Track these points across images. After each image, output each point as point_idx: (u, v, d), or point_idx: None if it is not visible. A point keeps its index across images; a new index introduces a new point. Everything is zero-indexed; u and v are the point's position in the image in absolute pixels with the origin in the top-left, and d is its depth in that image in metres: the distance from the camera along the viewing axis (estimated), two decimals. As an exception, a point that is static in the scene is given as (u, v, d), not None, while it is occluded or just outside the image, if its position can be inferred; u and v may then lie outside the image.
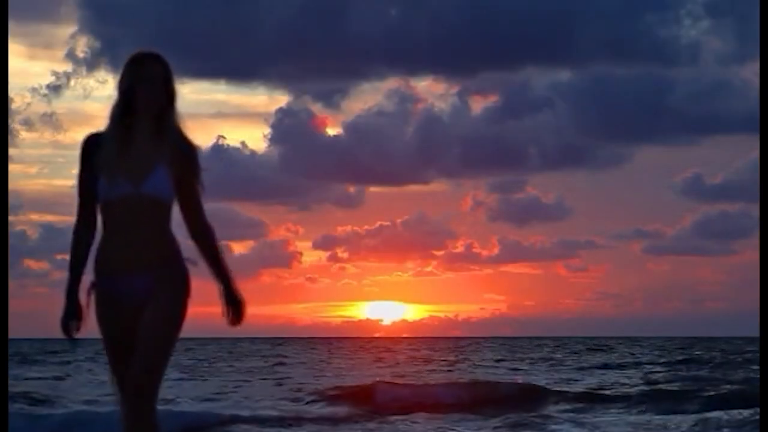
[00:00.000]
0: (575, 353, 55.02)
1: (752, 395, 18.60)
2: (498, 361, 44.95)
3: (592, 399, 21.45)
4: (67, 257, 5.05)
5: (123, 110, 4.95)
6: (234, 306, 5.13)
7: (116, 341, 4.99)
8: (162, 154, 4.95)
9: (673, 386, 23.75)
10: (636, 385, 25.38)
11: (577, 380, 28.79)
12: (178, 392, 22.28)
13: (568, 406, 20.13)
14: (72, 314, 4.98)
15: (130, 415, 4.91)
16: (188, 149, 5.03)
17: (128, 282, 4.96)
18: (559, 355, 52.12)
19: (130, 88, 4.94)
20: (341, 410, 19.15)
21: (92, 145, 4.97)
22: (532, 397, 21.32)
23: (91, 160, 4.95)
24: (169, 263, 5.00)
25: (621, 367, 37.88)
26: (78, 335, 5.01)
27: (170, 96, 5.00)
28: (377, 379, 25.21)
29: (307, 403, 20.82)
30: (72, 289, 5.00)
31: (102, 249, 5.00)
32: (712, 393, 21.16)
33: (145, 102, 4.95)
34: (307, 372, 34.33)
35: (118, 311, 4.97)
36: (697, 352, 53.88)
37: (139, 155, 4.94)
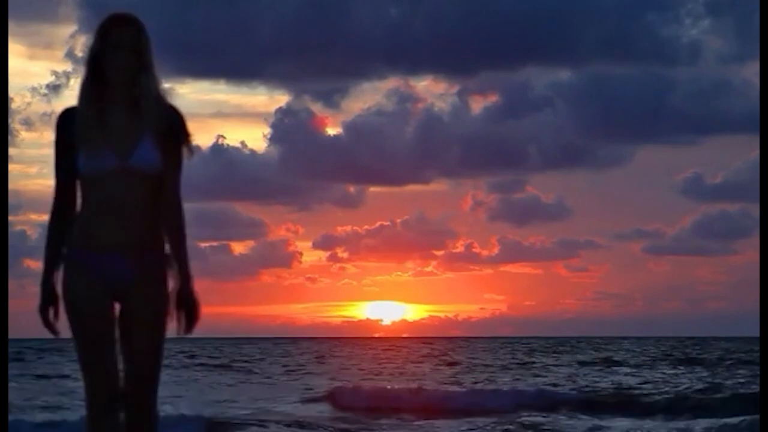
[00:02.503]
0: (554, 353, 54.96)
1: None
2: (492, 360, 44.90)
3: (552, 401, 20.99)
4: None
5: (92, 81, 4.61)
6: (186, 310, 4.68)
7: (88, 322, 4.61)
8: (145, 124, 4.60)
9: (684, 389, 23.69)
10: (635, 388, 25.35)
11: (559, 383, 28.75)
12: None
13: (527, 413, 18.91)
14: (48, 300, 4.62)
15: (133, 426, 4.67)
16: (172, 116, 4.65)
17: (110, 262, 4.61)
18: (549, 356, 52.03)
19: (95, 57, 4.61)
20: (294, 413, 18.97)
21: (68, 119, 4.62)
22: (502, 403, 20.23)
23: (68, 134, 4.61)
24: (155, 249, 4.66)
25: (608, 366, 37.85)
26: (56, 323, 4.64)
27: (143, 61, 4.60)
28: (340, 383, 25.18)
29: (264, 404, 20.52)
30: (48, 275, 4.64)
31: (82, 225, 4.64)
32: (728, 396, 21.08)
33: (113, 71, 4.59)
34: (284, 374, 34.07)
35: (90, 283, 4.61)
36: (701, 353, 53.81)
37: (121, 126, 4.60)
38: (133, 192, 4.60)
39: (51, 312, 4.64)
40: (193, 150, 4.69)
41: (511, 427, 16.48)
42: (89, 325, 4.62)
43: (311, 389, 24.02)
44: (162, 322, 4.68)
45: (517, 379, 29.31)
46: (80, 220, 4.65)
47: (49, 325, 4.64)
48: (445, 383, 26.66)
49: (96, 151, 4.56)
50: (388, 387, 22.95)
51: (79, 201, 4.69)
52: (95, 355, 4.63)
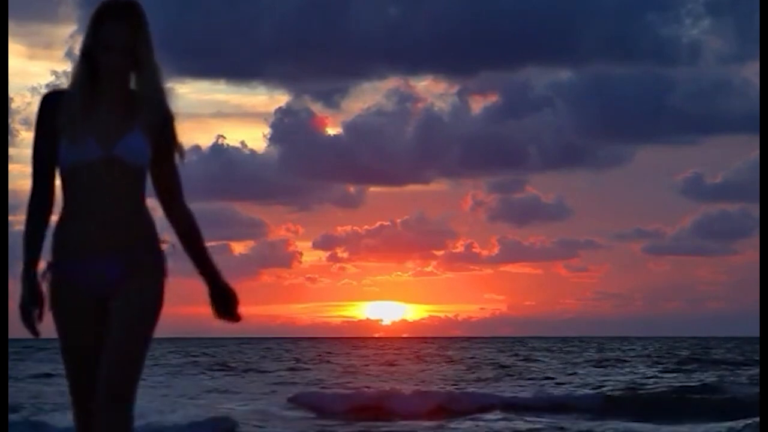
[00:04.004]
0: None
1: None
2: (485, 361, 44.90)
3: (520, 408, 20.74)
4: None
5: (85, 72, 4.28)
6: (225, 302, 4.47)
7: (75, 339, 4.33)
8: (137, 117, 4.28)
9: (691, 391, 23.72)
10: (635, 388, 25.35)
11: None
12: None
13: (501, 414, 19.02)
14: (32, 300, 4.26)
15: (104, 423, 4.20)
16: (165, 114, 4.34)
17: (95, 266, 4.29)
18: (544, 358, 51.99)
19: (89, 53, 4.28)
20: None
21: (53, 104, 4.28)
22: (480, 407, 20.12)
23: (52, 121, 4.27)
24: (143, 245, 4.34)
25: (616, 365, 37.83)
26: (39, 325, 4.27)
27: (139, 57, 4.27)
28: (316, 385, 25.22)
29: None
30: (29, 272, 4.29)
31: (63, 226, 4.32)
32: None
33: (105, 71, 4.27)
34: (274, 374, 34.04)
35: (80, 301, 4.31)
36: (701, 354, 53.82)
37: (109, 118, 4.29)
38: (115, 186, 4.27)
39: (35, 313, 4.28)
40: (184, 154, 4.41)
41: (478, 427, 16.56)
42: (78, 348, 4.35)
43: (287, 391, 23.97)
44: (148, 315, 4.33)
45: (507, 380, 29.31)
46: (60, 219, 4.35)
47: (31, 326, 4.29)
48: (432, 384, 26.64)
49: (79, 141, 4.24)
50: (363, 389, 22.92)
51: (58, 194, 4.37)
52: (84, 376, 4.36)
